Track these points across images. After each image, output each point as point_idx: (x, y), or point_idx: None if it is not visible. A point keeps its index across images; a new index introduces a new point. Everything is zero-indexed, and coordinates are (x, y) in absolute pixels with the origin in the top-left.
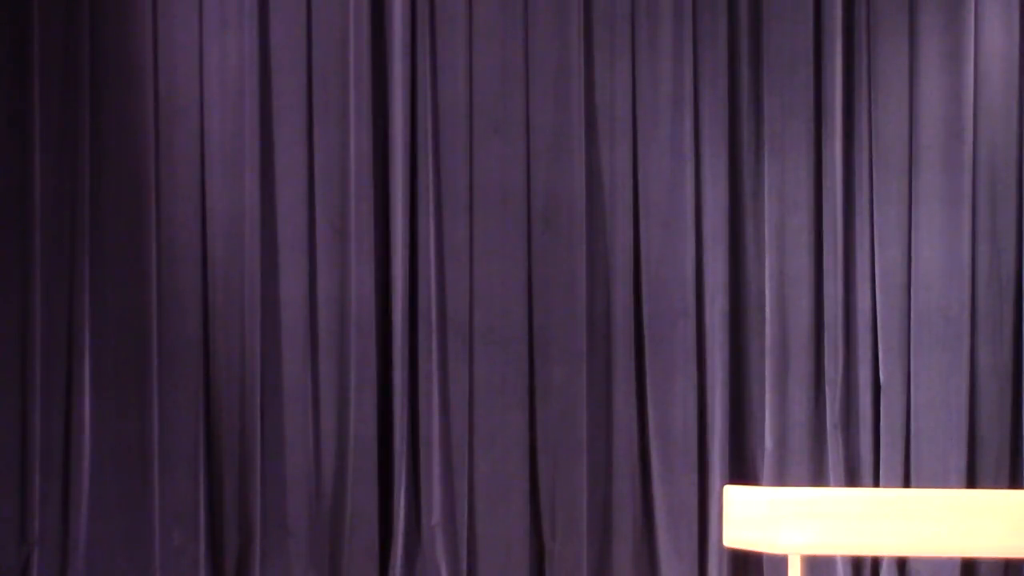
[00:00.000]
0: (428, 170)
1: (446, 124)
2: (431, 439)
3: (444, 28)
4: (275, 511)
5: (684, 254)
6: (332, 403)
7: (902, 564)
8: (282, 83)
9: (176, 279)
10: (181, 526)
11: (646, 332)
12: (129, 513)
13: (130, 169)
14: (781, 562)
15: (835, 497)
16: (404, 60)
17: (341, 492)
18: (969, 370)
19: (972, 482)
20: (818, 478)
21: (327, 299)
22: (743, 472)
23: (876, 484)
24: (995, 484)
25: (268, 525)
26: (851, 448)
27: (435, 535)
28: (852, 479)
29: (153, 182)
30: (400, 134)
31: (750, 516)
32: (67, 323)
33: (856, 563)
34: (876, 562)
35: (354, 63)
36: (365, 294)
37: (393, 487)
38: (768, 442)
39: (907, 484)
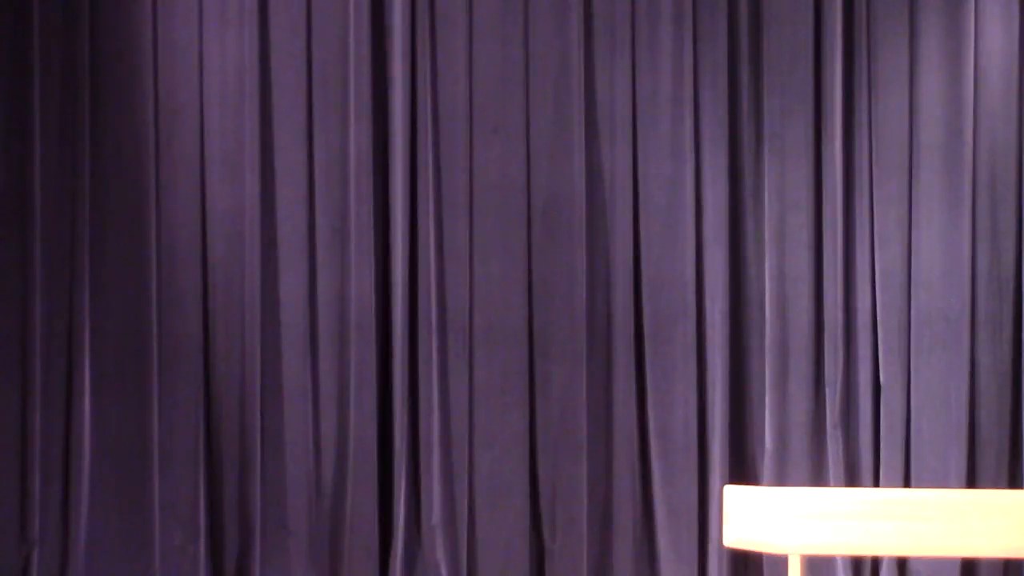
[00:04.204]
0: (428, 170)
1: (446, 124)
2: (431, 439)
3: (444, 28)
4: (275, 511)
5: (684, 254)
6: (332, 403)
7: (902, 564)
8: (282, 83)
9: (176, 279)
10: (181, 526)
11: (646, 332)
12: (129, 513)
13: (130, 169)
14: (781, 562)
15: (835, 497)
16: (404, 60)
17: (341, 492)
18: (969, 370)
19: (972, 482)
20: (818, 478)
21: (327, 299)
22: (743, 472)
23: (876, 484)
24: (995, 484)
25: (268, 525)
26: (851, 448)
27: (435, 535)
28: (852, 479)
29: (153, 182)
30: (400, 134)
31: (750, 516)
32: (67, 323)
33: (856, 563)
34: (876, 562)
35: (354, 63)
36: (365, 294)
37: (393, 487)
38: (768, 442)
39: (907, 484)
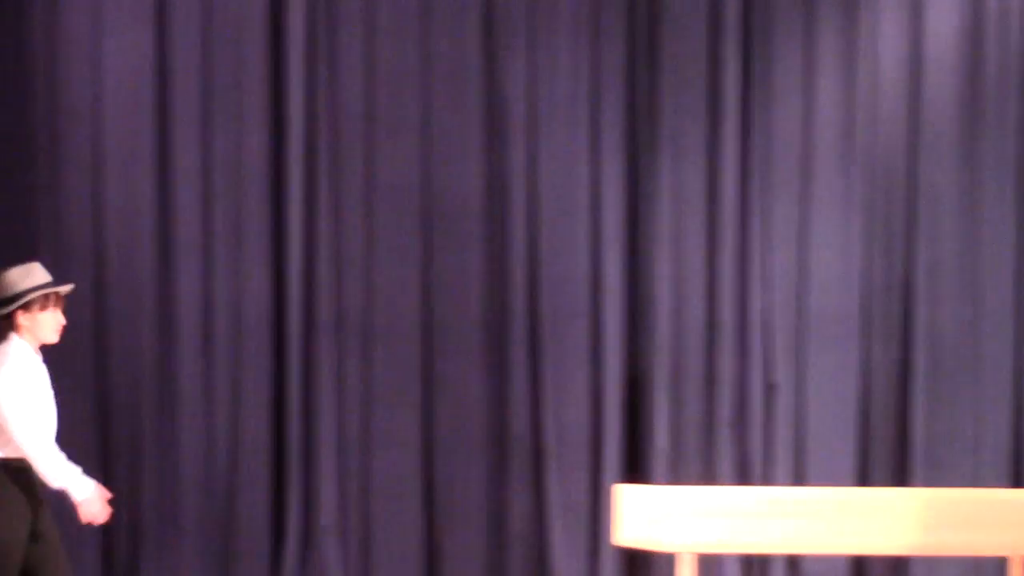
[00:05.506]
0: (325, 171)
1: (343, 125)
2: (325, 440)
3: (342, 29)
4: (167, 511)
5: (581, 254)
6: (226, 404)
7: (792, 562)
8: (179, 84)
9: (70, 280)
10: (72, 524)
11: (542, 332)
12: None
13: (21, 169)
14: (673, 560)
15: (726, 496)
16: (302, 62)
17: (233, 493)
18: (860, 370)
19: (862, 480)
20: (710, 477)
21: (223, 300)
22: (637, 471)
23: (767, 482)
24: (885, 482)
25: (159, 525)
26: (743, 446)
27: (328, 535)
28: (744, 477)
29: (46, 183)
30: (297, 135)
31: (642, 514)
32: None
33: (747, 561)
34: (767, 560)
35: (251, 64)
36: (261, 294)
37: (286, 488)
38: (661, 440)
39: (798, 482)
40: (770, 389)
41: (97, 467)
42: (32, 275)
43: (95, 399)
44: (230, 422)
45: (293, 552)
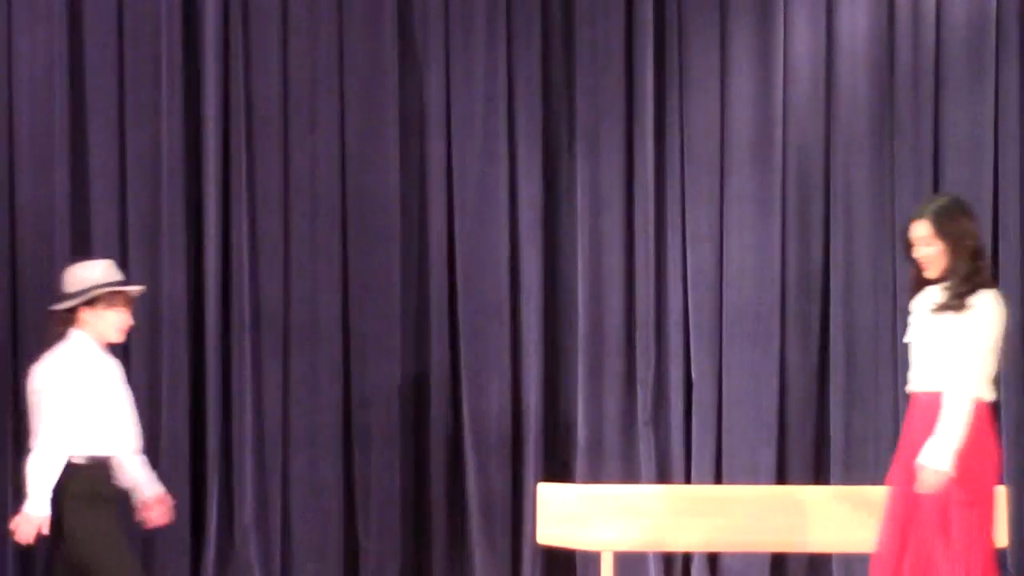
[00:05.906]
0: (242, 168)
1: (260, 122)
2: (244, 438)
3: (258, 26)
4: None
5: (499, 252)
6: (144, 402)
7: (713, 559)
8: (93, 79)
9: None
10: None
11: (461, 330)
12: None
13: None
14: (594, 559)
15: (647, 493)
16: (217, 57)
17: None
18: (779, 367)
19: (781, 478)
20: (630, 475)
21: (139, 297)
22: (557, 469)
23: (687, 480)
24: (803, 479)
25: None
26: (662, 445)
27: (248, 535)
28: (664, 475)
29: None
30: (213, 132)
31: (563, 513)
32: None
33: (667, 559)
34: (687, 558)
35: (166, 59)
36: (177, 292)
37: (206, 486)
38: (581, 439)
39: (718, 480)
40: (689, 387)
41: (12, 465)
42: (99, 271)
43: (10, 397)
44: (148, 420)
45: (213, 550)
